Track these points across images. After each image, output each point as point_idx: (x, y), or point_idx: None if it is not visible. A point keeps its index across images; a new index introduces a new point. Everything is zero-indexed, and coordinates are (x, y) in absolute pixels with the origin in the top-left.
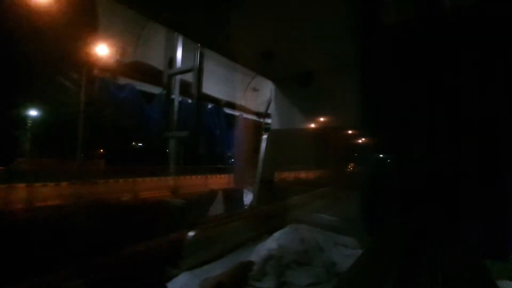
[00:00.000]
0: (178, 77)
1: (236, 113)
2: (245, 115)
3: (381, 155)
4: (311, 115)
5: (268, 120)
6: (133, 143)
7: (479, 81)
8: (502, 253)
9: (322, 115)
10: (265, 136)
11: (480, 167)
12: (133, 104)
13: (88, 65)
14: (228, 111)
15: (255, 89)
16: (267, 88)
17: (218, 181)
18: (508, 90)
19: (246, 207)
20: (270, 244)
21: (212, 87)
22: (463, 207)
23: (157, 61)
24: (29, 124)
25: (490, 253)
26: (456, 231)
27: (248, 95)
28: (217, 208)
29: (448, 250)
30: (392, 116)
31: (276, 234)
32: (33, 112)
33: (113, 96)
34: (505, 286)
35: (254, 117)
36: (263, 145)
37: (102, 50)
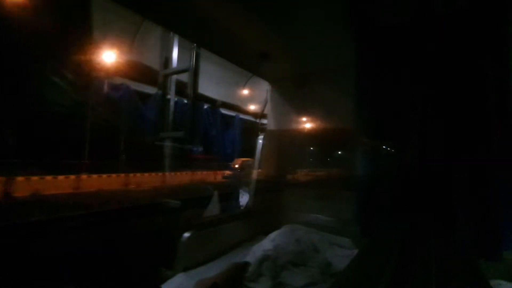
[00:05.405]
0: (174, 77)
1: (232, 113)
2: (241, 116)
3: (375, 157)
4: (308, 116)
5: (264, 121)
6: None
7: (472, 82)
8: (495, 253)
9: (318, 116)
10: (261, 137)
11: (473, 166)
12: (128, 104)
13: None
14: (224, 111)
15: (251, 90)
16: (263, 89)
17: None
18: (501, 91)
19: (241, 208)
20: (266, 244)
21: (208, 87)
22: (456, 207)
23: (152, 61)
24: None
25: (483, 253)
26: (450, 231)
27: (244, 95)
28: None
29: (442, 251)
30: (387, 118)
31: (272, 235)
32: None
33: (108, 96)
34: (498, 286)
35: (250, 118)
36: (259, 145)
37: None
